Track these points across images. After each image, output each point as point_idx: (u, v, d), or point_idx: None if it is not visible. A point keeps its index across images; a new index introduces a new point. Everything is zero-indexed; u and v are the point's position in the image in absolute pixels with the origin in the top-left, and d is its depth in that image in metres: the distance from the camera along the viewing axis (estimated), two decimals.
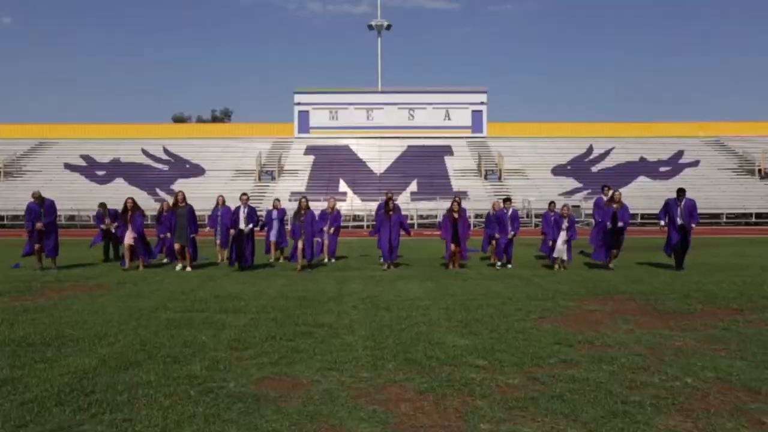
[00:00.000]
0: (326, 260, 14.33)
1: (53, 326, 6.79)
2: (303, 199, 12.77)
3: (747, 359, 5.36)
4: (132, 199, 13.63)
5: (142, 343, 5.95)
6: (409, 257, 15.24)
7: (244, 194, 13.39)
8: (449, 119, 48.24)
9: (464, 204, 15.93)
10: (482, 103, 48.42)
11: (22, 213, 14.12)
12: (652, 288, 9.83)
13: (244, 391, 4.48)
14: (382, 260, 13.33)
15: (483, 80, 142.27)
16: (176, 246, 12.75)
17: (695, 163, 42.56)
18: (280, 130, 48.38)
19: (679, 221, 12.56)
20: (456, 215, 12.73)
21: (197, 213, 13.67)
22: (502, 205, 13.87)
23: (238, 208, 12.91)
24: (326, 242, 14.41)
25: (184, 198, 13.02)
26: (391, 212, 12.93)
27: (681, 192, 12.95)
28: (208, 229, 15.26)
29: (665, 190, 33.76)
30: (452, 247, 12.70)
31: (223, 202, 14.69)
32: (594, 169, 42.36)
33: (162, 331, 6.55)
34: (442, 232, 12.95)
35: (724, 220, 35.06)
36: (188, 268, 12.62)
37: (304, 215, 12.39)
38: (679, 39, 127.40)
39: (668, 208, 12.78)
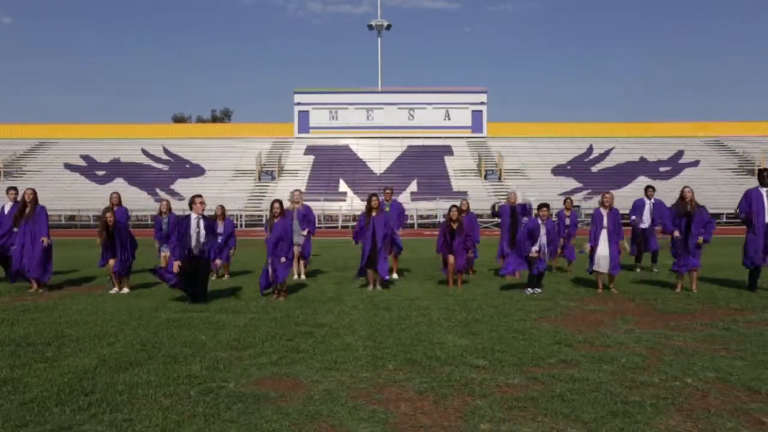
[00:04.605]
0: (299, 275, 11.17)
1: (53, 326, 6.79)
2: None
3: (747, 359, 5.36)
4: (32, 189, 9.92)
5: (142, 343, 5.95)
6: (408, 257, 15.23)
7: (198, 196, 8.72)
8: (449, 119, 48.22)
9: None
10: (482, 103, 48.37)
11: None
12: (652, 288, 9.83)
13: (244, 391, 4.48)
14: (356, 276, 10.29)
15: (483, 80, 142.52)
16: (112, 262, 9.37)
17: (695, 163, 42.53)
18: (280, 130, 48.39)
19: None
20: (454, 225, 10.11)
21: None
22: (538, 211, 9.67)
23: (188, 218, 8.56)
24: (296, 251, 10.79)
25: (119, 201, 9.98)
26: (374, 212, 9.93)
27: (765, 176, 9.56)
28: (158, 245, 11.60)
29: (666, 189, 33.71)
30: (450, 259, 10.09)
31: (169, 208, 11.53)
32: (594, 169, 42.35)
33: (162, 331, 6.56)
34: (438, 245, 10.33)
35: (724, 220, 34.99)
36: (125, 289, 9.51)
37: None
38: (679, 39, 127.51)
39: (750, 200, 9.63)
